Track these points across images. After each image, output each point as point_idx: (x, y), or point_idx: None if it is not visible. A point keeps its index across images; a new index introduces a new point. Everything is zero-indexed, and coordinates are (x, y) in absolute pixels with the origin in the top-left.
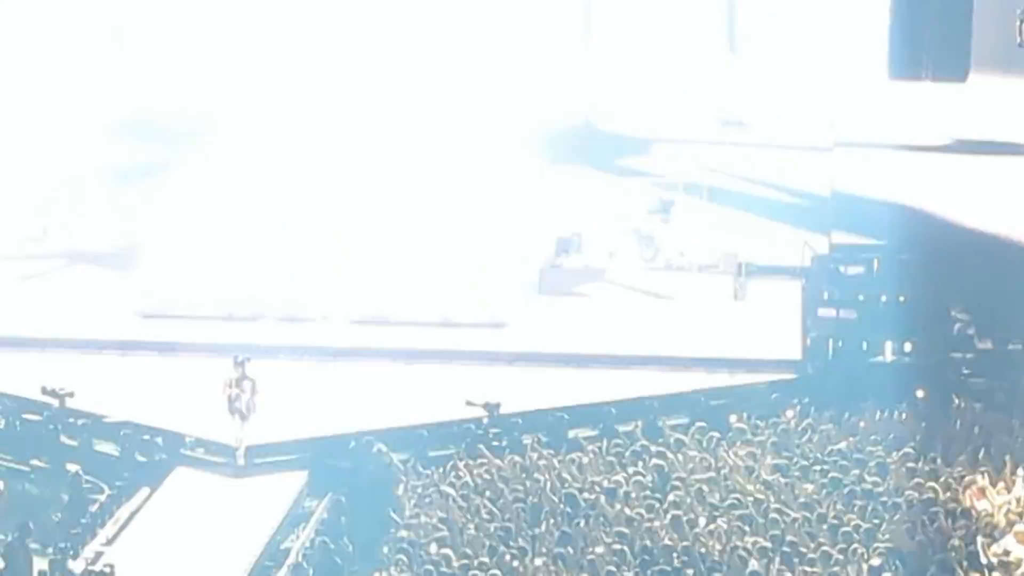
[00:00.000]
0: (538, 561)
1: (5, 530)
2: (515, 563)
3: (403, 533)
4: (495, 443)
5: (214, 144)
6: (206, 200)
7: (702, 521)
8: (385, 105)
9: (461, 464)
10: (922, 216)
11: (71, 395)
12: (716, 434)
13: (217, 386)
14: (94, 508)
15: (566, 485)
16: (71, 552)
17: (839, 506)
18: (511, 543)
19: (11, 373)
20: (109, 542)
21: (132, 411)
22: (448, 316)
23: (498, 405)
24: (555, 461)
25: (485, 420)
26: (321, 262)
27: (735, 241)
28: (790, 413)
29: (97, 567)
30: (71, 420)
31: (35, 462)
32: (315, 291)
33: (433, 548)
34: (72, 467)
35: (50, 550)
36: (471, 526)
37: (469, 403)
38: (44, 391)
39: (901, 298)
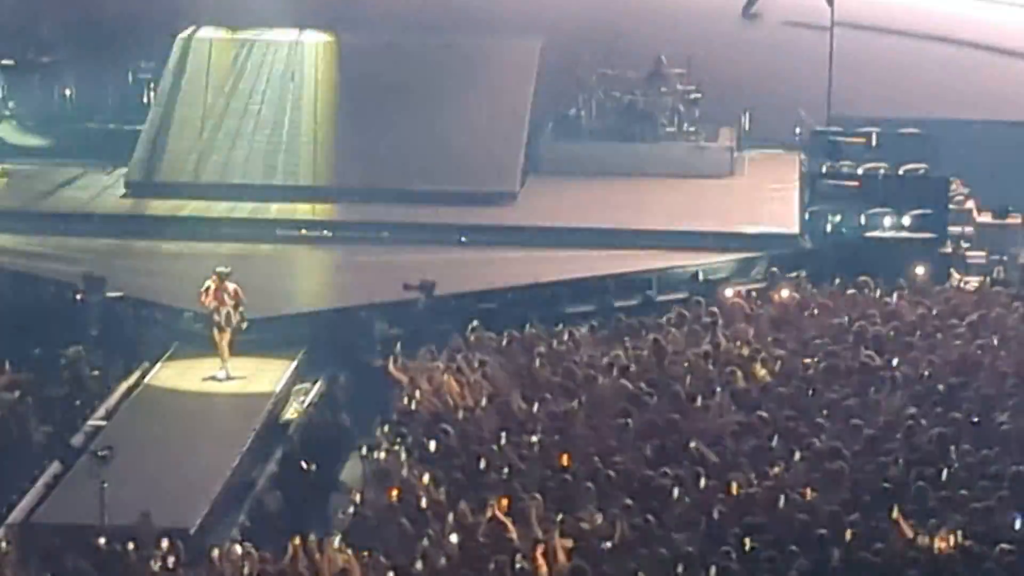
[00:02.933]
0: (534, 438)
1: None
2: (513, 439)
3: (401, 409)
4: (493, 319)
5: None
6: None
7: (700, 397)
8: None
9: (458, 339)
10: (922, 89)
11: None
12: (714, 309)
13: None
14: (93, 383)
15: (563, 360)
16: (71, 427)
17: (836, 382)
18: (510, 421)
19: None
20: (108, 416)
21: (131, 287)
22: (448, 188)
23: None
24: (552, 337)
25: (483, 295)
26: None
27: (731, 115)
28: (788, 288)
29: (97, 442)
30: (71, 295)
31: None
32: (311, 160)
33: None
34: (72, 342)
35: (50, 426)
36: (469, 403)
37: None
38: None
39: (900, 171)
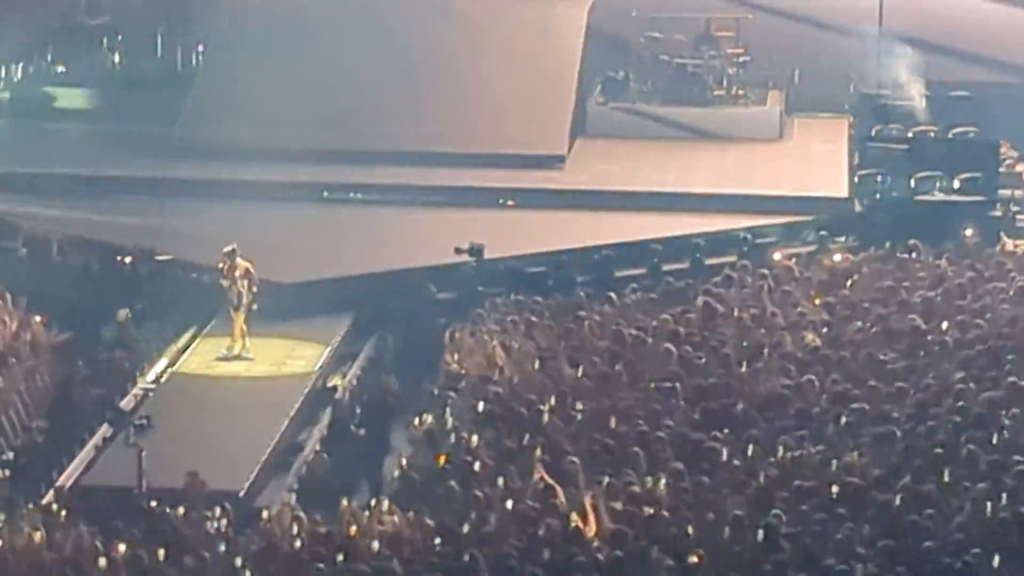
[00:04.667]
0: (580, 405)
1: (59, 370)
2: (561, 403)
3: (450, 373)
4: (541, 282)
5: None
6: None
7: (748, 360)
8: None
9: (505, 303)
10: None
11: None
12: (764, 271)
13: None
14: (142, 346)
15: (611, 323)
16: (121, 390)
17: (885, 346)
18: (557, 384)
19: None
20: (157, 380)
21: (179, 250)
22: (497, 151)
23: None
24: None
25: (532, 259)
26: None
27: (780, 78)
28: (837, 251)
29: (146, 404)
30: (120, 259)
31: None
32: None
33: (479, 390)
34: (121, 306)
35: (99, 389)
36: (517, 366)
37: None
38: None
39: (950, 134)
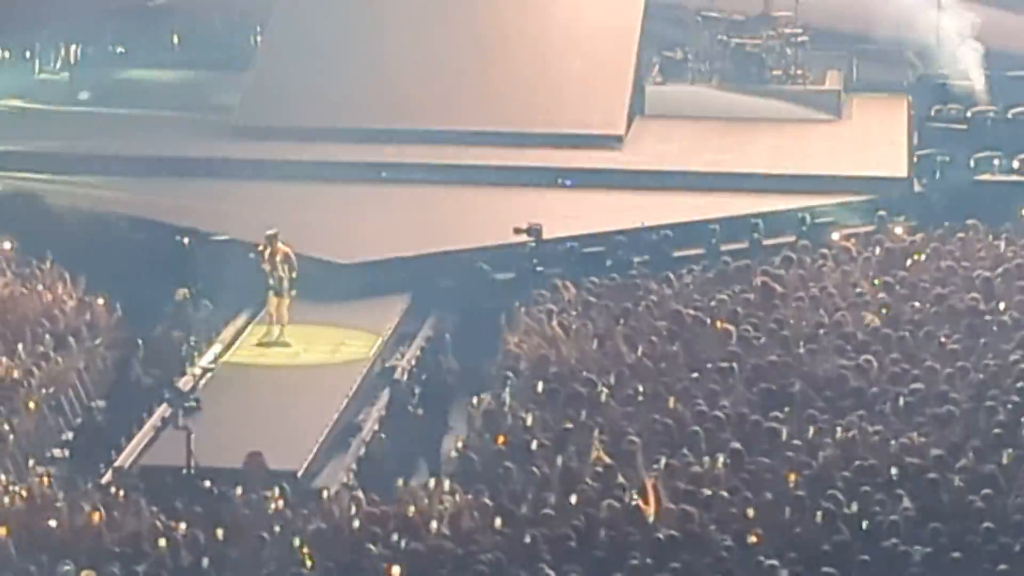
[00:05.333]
0: (638, 385)
1: (118, 350)
2: (619, 383)
3: (508, 353)
4: (599, 262)
5: None
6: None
7: (807, 340)
8: None
9: (562, 284)
10: None
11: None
12: (823, 251)
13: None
14: (201, 326)
15: (670, 303)
16: (179, 370)
17: (945, 326)
18: (616, 365)
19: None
20: (216, 360)
21: (238, 230)
22: (555, 131)
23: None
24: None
25: (590, 239)
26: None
27: (838, 58)
28: (896, 231)
29: (203, 386)
30: (179, 239)
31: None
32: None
33: (537, 370)
34: (180, 286)
35: (159, 370)
36: (575, 346)
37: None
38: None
39: (1009, 114)
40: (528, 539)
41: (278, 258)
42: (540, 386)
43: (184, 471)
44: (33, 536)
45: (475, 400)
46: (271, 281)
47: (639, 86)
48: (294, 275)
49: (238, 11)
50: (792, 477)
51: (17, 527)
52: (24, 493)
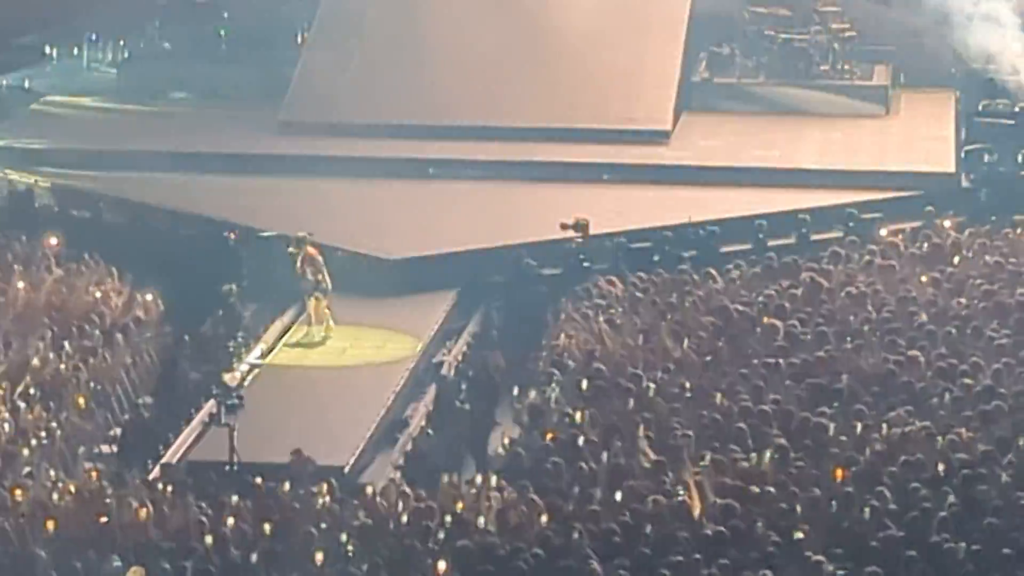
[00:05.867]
0: (685, 381)
1: (163, 345)
2: (665, 378)
3: (555, 348)
4: (646, 258)
5: None
6: None
7: (855, 336)
8: None
9: (607, 280)
10: None
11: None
12: (870, 247)
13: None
14: (247, 322)
15: (717, 299)
16: (227, 366)
17: (993, 321)
18: (662, 360)
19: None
20: (263, 355)
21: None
22: (601, 126)
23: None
24: (705, 276)
25: (637, 234)
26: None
27: (886, 53)
28: (944, 226)
29: (249, 381)
30: (225, 234)
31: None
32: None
33: (584, 365)
34: (227, 281)
35: (206, 366)
36: (621, 342)
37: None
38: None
39: None
40: (574, 535)
41: (308, 259)
42: (587, 382)
43: (229, 467)
44: (82, 532)
45: (522, 396)
46: (304, 285)
47: (686, 81)
48: (320, 276)
49: (284, 7)
50: (839, 473)
51: (66, 522)
52: (73, 489)
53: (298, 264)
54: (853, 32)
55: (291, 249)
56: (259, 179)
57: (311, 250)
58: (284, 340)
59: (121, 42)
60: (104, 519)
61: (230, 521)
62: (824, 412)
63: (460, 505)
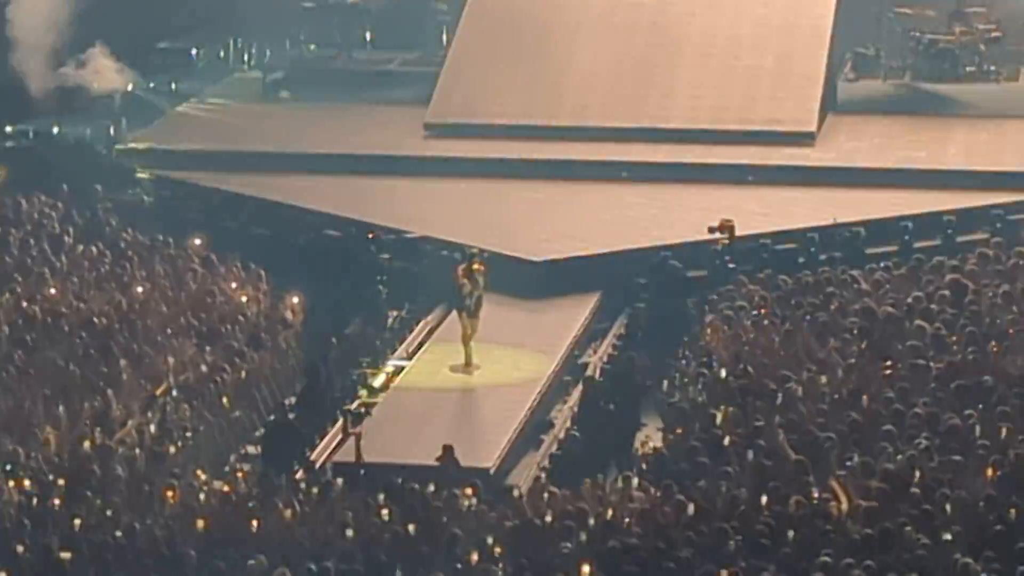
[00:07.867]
0: (825, 378)
1: (309, 346)
2: (809, 380)
3: (699, 349)
4: (791, 259)
5: None
6: None
7: (1001, 339)
8: None
9: (756, 279)
10: None
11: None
12: (1017, 249)
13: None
14: (392, 323)
15: (862, 300)
16: (372, 367)
17: None
18: (806, 361)
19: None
20: (409, 357)
21: (429, 227)
22: (747, 128)
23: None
24: (850, 277)
25: (782, 236)
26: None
27: None
28: None
29: (396, 382)
30: (369, 236)
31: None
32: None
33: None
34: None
35: (352, 370)
36: (765, 342)
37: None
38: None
39: None
40: (719, 535)
41: (471, 278)
42: (732, 382)
43: (380, 467)
44: (229, 532)
45: (667, 397)
46: (466, 301)
47: (831, 82)
48: (478, 293)
49: (430, 8)
50: (988, 474)
51: (214, 523)
52: (223, 489)
53: (460, 277)
54: (999, 32)
55: (458, 268)
56: (405, 180)
57: (477, 266)
58: (430, 340)
59: (267, 45)
60: (252, 520)
61: (375, 522)
62: (970, 415)
63: (607, 507)
